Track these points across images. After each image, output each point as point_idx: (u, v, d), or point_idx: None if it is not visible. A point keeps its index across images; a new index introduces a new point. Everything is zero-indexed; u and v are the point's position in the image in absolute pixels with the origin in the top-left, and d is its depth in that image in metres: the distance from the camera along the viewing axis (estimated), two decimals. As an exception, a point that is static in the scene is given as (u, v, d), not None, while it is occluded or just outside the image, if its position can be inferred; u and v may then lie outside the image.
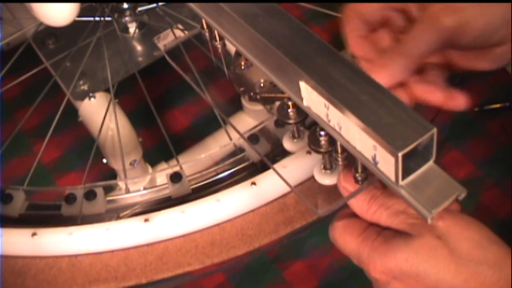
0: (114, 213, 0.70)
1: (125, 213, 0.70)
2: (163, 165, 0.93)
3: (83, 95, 0.84)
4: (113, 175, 0.91)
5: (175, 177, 0.68)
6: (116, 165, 0.88)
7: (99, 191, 0.68)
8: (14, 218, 0.68)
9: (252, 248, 0.63)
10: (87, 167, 0.76)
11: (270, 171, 0.64)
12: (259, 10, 0.48)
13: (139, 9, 0.88)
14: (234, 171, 0.71)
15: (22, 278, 0.63)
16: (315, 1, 1.29)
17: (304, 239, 1.00)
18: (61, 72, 0.84)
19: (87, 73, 0.86)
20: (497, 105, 1.11)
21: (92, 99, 0.83)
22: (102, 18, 0.84)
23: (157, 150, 1.09)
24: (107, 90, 0.84)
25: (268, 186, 0.64)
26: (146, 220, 0.63)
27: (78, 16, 0.78)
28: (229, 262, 0.63)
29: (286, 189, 0.63)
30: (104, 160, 0.89)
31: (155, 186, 0.73)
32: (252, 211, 0.64)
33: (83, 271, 0.63)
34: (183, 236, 0.63)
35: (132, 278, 0.63)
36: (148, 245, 0.63)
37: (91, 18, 0.85)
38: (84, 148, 1.12)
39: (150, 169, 0.92)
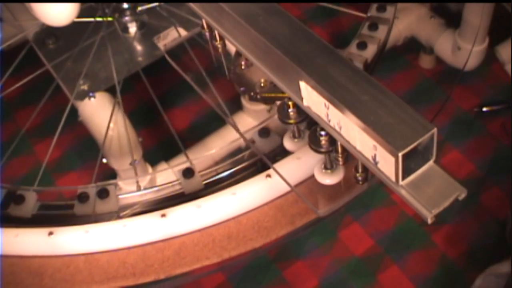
0: (115, 213, 0.70)
1: (124, 212, 0.70)
2: (163, 165, 0.93)
3: (83, 95, 0.84)
4: (113, 175, 0.91)
5: (187, 173, 0.68)
6: (116, 165, 0.88)
7: (112, 189, 0.68)
8: (27, 219, 0.68)
9: (269, 240, 0.63)
10: (97, 165, 0.76)
11: (284, 162, 0.64)
12: (259, 10, 0.48)
13: (139, 8, 0.88)
14: (247, 165, 0.71)
15: (39, 278, 0.63)
16: (315, 1, 1.29)
17: (304, 239, 1.00)
18: (62, 74, 0.84)
19: (87, 73, 0.86)
20: (497, 105, 1.11)
21: (92, 99, 0.83)
22: (104, 18, 0.84)
23: (157, 150, 1.09)
24: (107, 90, 0.84)
25: (285, 174, 0.63)
26: (163, 215, 0.63)
27: (79, 17, 0.78)
28: (246, 255, 0.63)
29: (300, 179, 0.62)
30: (104, 160, 0.89)
31: (168, 183, 0.72)
32: (267, 203, 0.64)
33: (100, 268, 0.63)
34: (200, 230, 0.63)
35: (151, 274, 0.63)
36: (164, 240, 0.63)
37: (92, 19, 0.85)
38: (84, 148, 1.12)
39: (150, 169, 0.92)
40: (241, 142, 0.79)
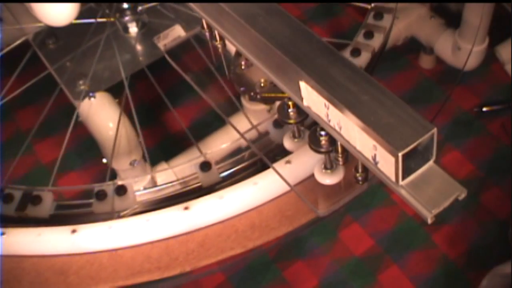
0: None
1: (124, 212, 0.70)
2: (163, 165, 0.93)
3: (83, 95, 0.84)
4: (113, 175, 0.91)
5: (205, 166, 0.68)
6: (116, 165, 0.88)
7: (129, 186, 0.68)
8: (45, 219, 0.68)
9: (291, 228, 0.63)
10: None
11: (303, 149, 0.63)
12: (259, 10, 0.48)
13: (140, 8, 0.88)
14: (247, 165, 0.71)
15: (64, 276, 0.63)
16: (315, 1, 1.29)
17: (304, 239, 1.00)
18: (65, 77, 0.84)
19: (87, 73, 0.86)
20: (497, 105, 1.11)
21: (92, 99, 0.83)
22: (108, 19, 0.84)
23: (157, 150, 1.09)
24: (107, 90, 0.84)
25: (302, 164, 0.63)
26: (186, 208, 0.62)
27: (81, 18, 0.78)
28: (270, 244, 0.63)
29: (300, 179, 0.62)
30: (104, 160, 0.89)
31: (190, 175, 0.72)
32: (288, 191, 0.63)
33: (125, 264, 0.63)
34: (222, 222, 0.63)
35: (176, 267, 0.63)
36: (187, 233, 0.63)
37: (93, 20, 0.85)
38: (84, 148, 1.12)
39: (150, 169, 0.92)
40: (242, 142, 0.80)
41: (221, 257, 0.63)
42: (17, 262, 0.63)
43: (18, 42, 0.85)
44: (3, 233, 0.63)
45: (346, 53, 0.79)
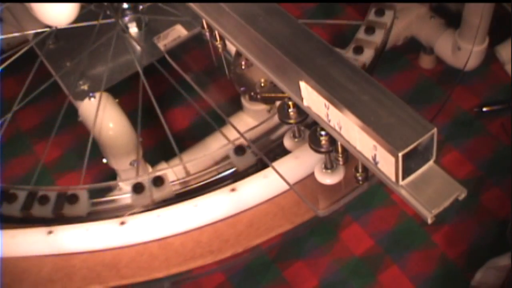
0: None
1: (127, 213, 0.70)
2: (163, 165, 0.93)
3: (83, 95, 0.84)
4: (113, 175, 0.91)
5: (239, 150, 0.68)
6: (116, 165, 0.88)
7: (166, 177, 0.68)
8: (82, 217, 0.68)
9: (333, 200, 0.63)
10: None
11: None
12: (259, 10, 0.48)
13: (140, 7, 0.88)
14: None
15: (115, 269, 0.63)
16: (315, 1, 1.29)
17: (304, 239, 1.00)
18: (65, 77, 0.84)
19: (87, 73, 0.86)
20: (497, 105, 1.11)
21: (92, 99, 0.83)
22: (111, 19, 0.85)
23: (157, 150, 1.08)
24: (107, 90, 0.84)
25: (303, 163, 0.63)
26: (232, 190, 0.63)
27: (82, 19, 0.78)
28: (317, 220, 0.62)
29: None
30: (104, 160, 0.89)
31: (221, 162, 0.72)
32: None
33: (175, 251, 0.63)
34: (268, 201, 0.64)
35: (228, 249, 0.63)
36: (235, 215, 0.63)
37: (95, 22, 0.85)
38: (84, 148, 1.12)
39: (150, 169, 0.92)
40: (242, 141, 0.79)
41: (271, 235, 0.63)
42: (67, 260, 0.64)
43: (24, 49, 0.85)
44: (50, 232, 0.64)
45: (349, 52, 0.79)
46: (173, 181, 0.69)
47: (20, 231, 0.64)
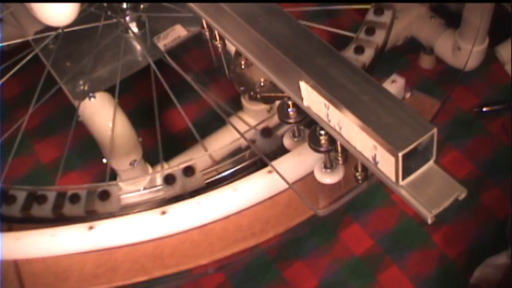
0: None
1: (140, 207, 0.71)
2: (163, 165, 0.93)
3: (83, 95, 0.84)
4: (113, 175, 0.91)
5: (266, 133, 0.68)
6: (116, 165, 0.88)
7: (196, 166, 0.68)
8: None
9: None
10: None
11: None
12: (259, 10, 0.48)
13: (141, 6, 0.88)
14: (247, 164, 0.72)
15: (159, 259, 0.63)
16: (315, 1, 1.29)
17: (304, 239, 1.00)
18: (65, 77, 0.84)
19: (87, 73, 0.86)
20: (497, 105, 1.12)
21: (92, 99, 0.83)
22: (115, 18, 0.85)
23: (157, 150, 1.08)
24: (107, 90, 0.84)
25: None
26: (269, 172, 0.63)
27: (83, 21, 0.78)
28: (353, 195, 0.63)
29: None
30: (104, 160, 0.89)
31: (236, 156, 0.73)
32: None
33: (217, 237, 0.63)
34: (300, 179, 0.63)
35: (269, 230, 0.63)
36: (273, 196, 0.64)
37: (94, 22, 0.85)
38: (84, 148, 1.12)
39: (150, 169, 0.92)
40: (242, 141, 0.80)
41: (309, 214, 0.63)
42: (109, 254, 0.64)
43: (30, 56, 0.85)
44: (91, 227, 0.64)
45: (350, 51, 0.79)
46: (201, 171, 0.69)
47: (60, 229, 0.65)
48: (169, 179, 0.68)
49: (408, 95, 0.72)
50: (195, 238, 0.64)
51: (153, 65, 0.81)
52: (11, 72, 0.81)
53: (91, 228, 0.64)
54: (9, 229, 0.67)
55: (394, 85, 0.70)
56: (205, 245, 0.63)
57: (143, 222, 0.64)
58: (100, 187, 0.70)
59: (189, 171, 0.68)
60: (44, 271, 0.64)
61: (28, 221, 0.72)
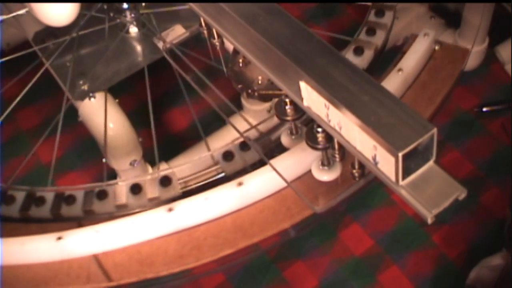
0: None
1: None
2: (163, 165, 0.93)
3: (83, 95, 0.84)
4: (113, 175, 0.91)
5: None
6: (116, 165, 0.88)
7: (236, 149, 0.71)
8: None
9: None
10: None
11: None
12: (259, 10, 0.48)
13: (143, 4, 0.88)
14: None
15: (242, 230, 0.65)
16: (315, 1, 1.29)
17: (304, 239, 1.00)
18: (65, 77, 0.84)
19: (87, 73, 0.86)
20: (497, 105, 1.11)
21: (92, 99, 0.83)
22: (121, 19, 0.85)
23: (157, 150, 1.08)
24: (107, 90, 0.84)
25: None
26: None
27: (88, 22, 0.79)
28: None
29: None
30: (104, 160, 0.89)
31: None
32: None
33: (293, 201, 0.65)
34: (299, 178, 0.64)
35: (305, 209, 0.64)
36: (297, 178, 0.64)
37: (94, 22, 0.85)
38: (84, 148, 1.12)
39: (150, 169, 0.92)
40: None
41: (348, 195, 0.63)
42: (189, 234, 0.66)
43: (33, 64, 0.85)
44: (170, 209, 0.65)
45: (349, 52, 0.79)
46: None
47: (139, 216, 0.66)
48: (227, 156, 0.71)
49: (437, 46, 0.76)
50: (272, 206, 0.65)
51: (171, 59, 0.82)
52: (16, 79, 0.82)
53: (170, 210, 0.65)
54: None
55: (427, 38, 0.75)
56: (283, 211, 0.64)
57: (221, 197, 0.65)
58: (97, 187, 0.70)
59: (228, 155, 0.72)
60: (127, 260, 0.65)
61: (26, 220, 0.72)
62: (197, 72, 0.67)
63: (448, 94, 0.75)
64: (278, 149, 0.64)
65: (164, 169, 0.86)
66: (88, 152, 1.10)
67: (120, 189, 0.73)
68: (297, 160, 0.61)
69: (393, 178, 0.40)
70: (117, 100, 0.85)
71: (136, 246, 0.66)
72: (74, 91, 0.84)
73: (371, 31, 0.81)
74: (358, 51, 0.79)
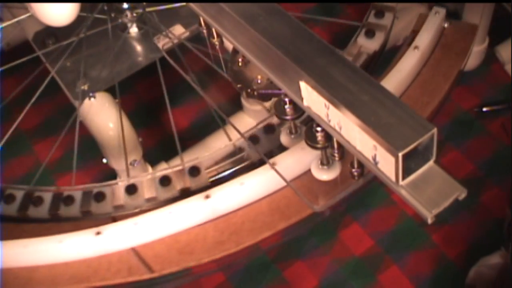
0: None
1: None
2: (163, 165, 0.93)
3: (83, 95, 0.84)
4: (113, 175, 0.91)
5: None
6: (116, 165, 0.88)
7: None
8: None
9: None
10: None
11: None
12: (259, 10, 0.48)
13: (145, 4, 0.88)
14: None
15: (279, 212, 0.65)
16: (315, 1, 1.29)
17: (304, 239, 1.00)
18: (65, 77, 0.84)
19: (87, 73, 0.86)
20: (497, 105, 1.11)
21: (92, 99, 0.83)
22: (122, 20, 0.85)
23: (157, 150, 1.08)
24: (107, 90, 0.84)
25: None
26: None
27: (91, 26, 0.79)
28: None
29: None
30: (104, 160, 0.89)
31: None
32: None
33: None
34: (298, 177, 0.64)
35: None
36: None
37: (106, 26, 0.85)
38: (84, 148, 1.12)
39: (150, 169, 0.92)
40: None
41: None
42: (226, 220, 0.66)
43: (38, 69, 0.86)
44: (207, 196, 0.65)
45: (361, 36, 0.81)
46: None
47: (176, 205, 0.66)
48: (253, 139, 0.71)
49: (447, 24, 0.79)
50: (307, 185, 0.63)
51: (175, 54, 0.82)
52: (24, 84, 0.82)
53: (207, 197, 0.65)
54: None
55: (438, 15, 0.79)
56: (316, 193, 0.62)
57: (258, 181, 0.65)
58: (96, 187, 0.70)
59: (270, 129, 0.71)
60: (167, 250, 0.65)
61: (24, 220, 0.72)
62: (192, 76, 0.67)
63: (462, 70, 0.76)
64: (280, 151, 0.65)
65: (162, 169, 0.86)
66: (88, 152, 1.10)
67: (119, 190, 0.73)
68: (296, 160, 0.61)
69: (393, 178, 0.40)
70: (117, 100, 0.85)
71: (174, 235, 0.66)
72: (74, 91, 0.84)
73: (370, 33, 0.81)
74: (370, 34, 0.81)
